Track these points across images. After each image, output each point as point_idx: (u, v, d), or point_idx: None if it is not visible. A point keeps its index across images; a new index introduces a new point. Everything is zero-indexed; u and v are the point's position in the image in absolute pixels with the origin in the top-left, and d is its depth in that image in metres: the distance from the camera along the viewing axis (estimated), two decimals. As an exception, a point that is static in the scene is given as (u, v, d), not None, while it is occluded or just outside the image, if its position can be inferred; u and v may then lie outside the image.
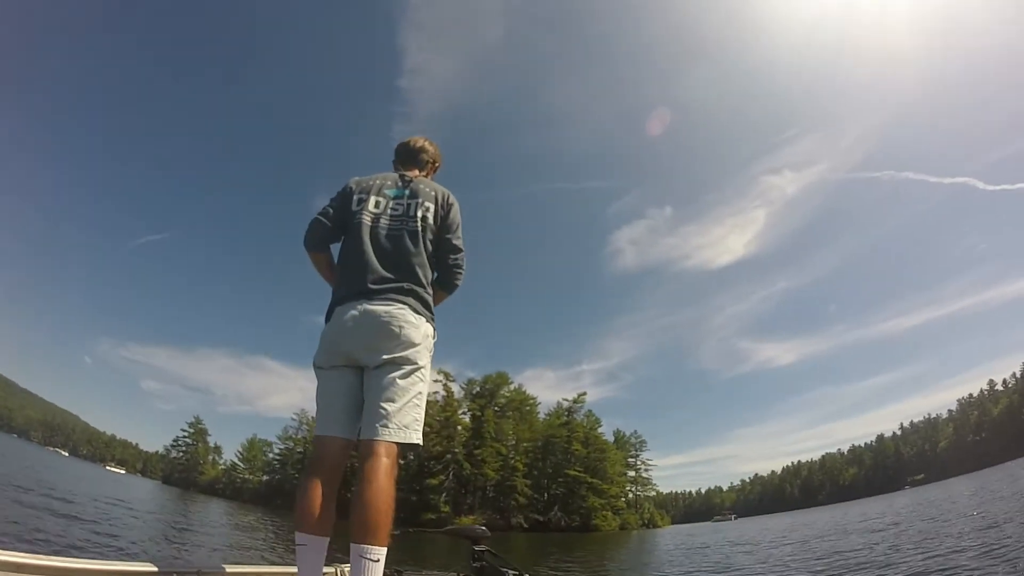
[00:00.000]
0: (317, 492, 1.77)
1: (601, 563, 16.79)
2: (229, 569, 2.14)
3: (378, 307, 1.95)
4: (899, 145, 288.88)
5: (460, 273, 2.29)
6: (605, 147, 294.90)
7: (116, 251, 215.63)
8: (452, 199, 2.26)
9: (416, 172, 2.36)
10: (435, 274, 2.23)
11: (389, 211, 2.14)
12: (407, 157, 2.44)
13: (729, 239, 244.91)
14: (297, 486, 1.85)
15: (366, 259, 2.03)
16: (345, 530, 1.70)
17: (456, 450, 55.20)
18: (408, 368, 1.93)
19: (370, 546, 1.61)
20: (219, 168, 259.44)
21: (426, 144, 2.47)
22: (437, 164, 2.54)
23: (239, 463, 77.28)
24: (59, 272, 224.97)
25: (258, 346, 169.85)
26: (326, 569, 1.81)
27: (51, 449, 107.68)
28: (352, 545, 1.61)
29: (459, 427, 57.36)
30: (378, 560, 1.61)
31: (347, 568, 1.82)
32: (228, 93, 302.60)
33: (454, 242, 2.24)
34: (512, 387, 63.47)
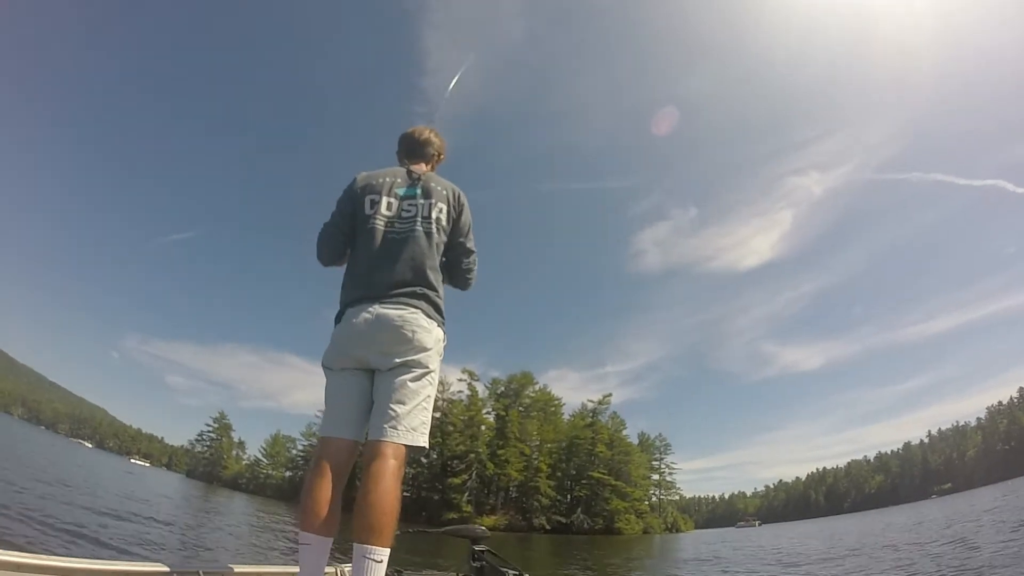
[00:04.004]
0: (322, 492, 1.77)
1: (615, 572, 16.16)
2: (231, 568, 2.13)
3: (391, 311, 1.94)
4: (926, 146, 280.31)
5: (472, 276, 2.31)
6: (628, 147, 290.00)
7: (143, 249, 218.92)
8: (464, 198, 2.23)
9: (423, 166, 2.31)
10: (446, 274, 2.21)
11: (401, 212, 2.10)
12: (413, 149, 2.37)
13: (754, 240, 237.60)
14: (302, 486, 1.86)
15: (379, 262, 2.02)
16: (344, 529, 1.70)
17: (479, 450, 55.20)
18: (419, 372, 1.94)
19: (374, 547, 1.61)
20: (244, 168, 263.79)
21: (432, 136, 2.41)
22: (442, 156, 2.47)
23: (262, 458, 78.52)
24: (87, 270, 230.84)
25: (283, 342, 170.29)
26: (326, 569, 1.83)
27: (75, 441, 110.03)
28: (356, 545, 1.61)
29: (483, 427, 57.50)
30: (381, 561, 1.61)
31: (347, 568, 1.83)
32: (253, 94, 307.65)
33: (467, 245, 2.24)
34: (537, 387, 63.53)
